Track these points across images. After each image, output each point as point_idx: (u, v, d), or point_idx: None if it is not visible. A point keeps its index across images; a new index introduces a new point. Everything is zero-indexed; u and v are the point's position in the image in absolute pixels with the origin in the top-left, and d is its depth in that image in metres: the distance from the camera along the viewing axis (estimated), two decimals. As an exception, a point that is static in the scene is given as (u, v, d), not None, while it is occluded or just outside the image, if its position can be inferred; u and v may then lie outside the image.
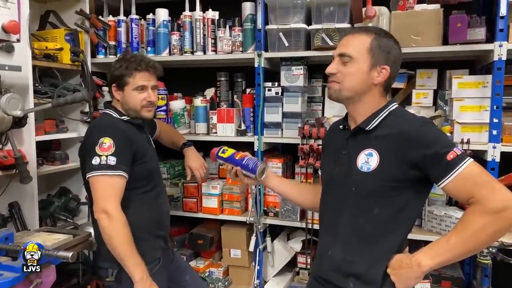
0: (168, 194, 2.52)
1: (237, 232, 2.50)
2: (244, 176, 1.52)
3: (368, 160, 1.25)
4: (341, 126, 1.41)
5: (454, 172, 1.14)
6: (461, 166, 1.14)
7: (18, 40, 1.36)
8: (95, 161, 1.51)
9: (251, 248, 2.37)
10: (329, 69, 1.32)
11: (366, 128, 1.28)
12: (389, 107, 1.30)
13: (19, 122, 1.61)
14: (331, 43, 2.13)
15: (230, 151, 1.56)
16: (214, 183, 2.46)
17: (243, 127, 2.39)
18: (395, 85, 2.33)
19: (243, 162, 1.51)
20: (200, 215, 2.48)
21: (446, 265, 1.20)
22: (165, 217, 1.82)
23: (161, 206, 1.80)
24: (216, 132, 2.42)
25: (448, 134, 2.05)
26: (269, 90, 2.30)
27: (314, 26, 2.17)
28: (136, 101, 1.69)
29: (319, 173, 1.55)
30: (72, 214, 2.35)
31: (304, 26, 2.18)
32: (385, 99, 1.33)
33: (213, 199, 2.42)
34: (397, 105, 1.32)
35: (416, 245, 2.33)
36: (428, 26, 1.99)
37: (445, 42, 2.01)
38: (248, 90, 2.48)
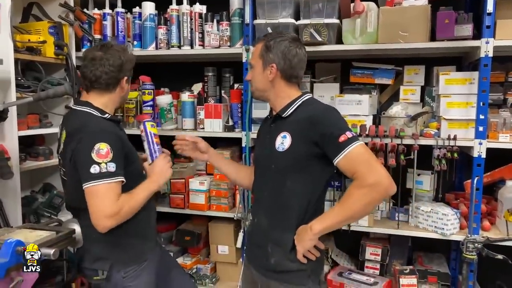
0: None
1: (224, 228, 2.48)
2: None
3: (283, 141, 1.48)
4: (268, 116, 1.68)
5: (343, 152, 1.37)
6: (349, 147, 1.36)
7: (-3, 32, 1.31)
8: (94, 169, 1.44)
9: (239, 245, 2.36)
10: (245, 78, 1.68)
11: (283, 115, 1.52)
12: (302, 98, 1.54)
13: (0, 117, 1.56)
14: (319, 39, 2.12)
15: (155, 130, 1.76)
16: (201, 179, 2.44)
17: (230, 122, 2.37)
18: (383, 81, 2.34)
19: (152, 148, 1.73)
20: (187, 211, 2.45)
21: (334, 229, 1.50)
22: (153, 214, 1.80)
23: (149, 204, 1.78)
24: (203, 128, 2.40)
25: (435, 131, 2.06)
26: (256, 85, 2.28)
27: (302, 21, 2.15)
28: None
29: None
30: (57, 211, 2.31)
31: (293, 21, 2.17)
32: (297, 90, 1.57)
33: (200, 195, 2.40)
34: (310, 96, 1.57)
35: (403, 242, 2.37)
36: (416, 22, 1.99)
37: (432, 38, 2.02)
38: (236, 86, 2.46)
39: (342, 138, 1.37)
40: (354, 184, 1.38)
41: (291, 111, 1.52)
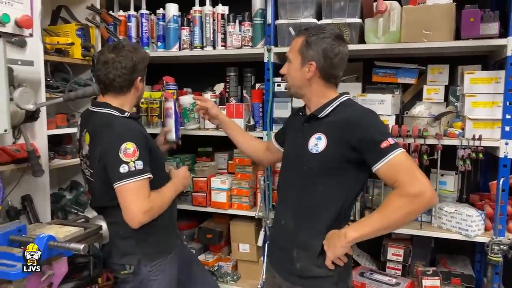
0: (178, 188, 2.54)
1: (245, 227, 2.51)
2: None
3: (317, 143, 1.43)
4: (300, 113, 1.61)
5: (385, 159, 1.31)
6: (391, 154, 1.31)
7: (31, 35, 1.36)
8: (123, 169, 1.48)
9: (260, 243, 2.38)
10: (280, 71, 1.58)
11: (319, 116, 1.47)
12: (340, 99, 1.49)
13: (31, 116, 1.62)
14: (341, 38, 2.11)
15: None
16: (223, 177, 2.47)
17: (252, 122, 2.39)
18: (406, 80, 2.32)
19: (178, 125, 1.96)
20: (209, 209, 2.49)
21: (370, 238, 1.39)
22: (175, 209, 1.84)
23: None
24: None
25: (460, 130, 2.03)
26: (279, 85, 2.29)
27: (324, 21, 2.15)
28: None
29: (276, 146, 1.82)
30: (83, 208, 2.37)
31: (315, 20, 2.17)
32: (334, 91, 1.52)
33: (222, 194, 2.43)
34: (348, 97, 1.51)
35: (425, 242, 2.34)
36: (440, 21, 1.96)
37: (457, 37, 1.99)
38: (257, 85, 2.48)
39: (384, 144, 1.32)
40: (395, 192, 1.32)
41: (327, 112, 1.46)
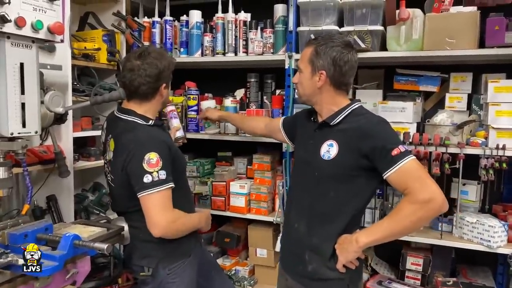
0: (197, 192, 2.58)
1: (263, 232, 2.52)
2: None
3: (329, 150, 1.45)
4: (311, 118, 1.62)
5: (396, 166, 1.33)
6: (402, 162, 1.33)
7: (62, 41, 1.41)
8: (147, 179, 1.50)
9: (277, 249, 2.38)
10: (292, 80, 1.67)
11: (331, 123, 1.48)
12: (351, 106, 1.50)
13: (60, 119, 1.67)
14: (363, 45, 2.12)
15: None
16: (242, 182, 2.49)
17: (272, 128, 2.41)
18: (428, 88, 2.30)
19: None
20: (227, 213, 2.51)
21: (380, 243, 1.42)
22: (193, 212, 1.86)
23: (192, 205, 1.85)
24: (244, 133, 2.45)
25: (483, 140, 2.00)
26: (298, 91, 2.31)
27: (346, 28, 2.16)
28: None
29: (281, 130, 1.88)
30: (105, 209, 2.42)
31: (336, 28, 2.18)
32: (345, 98, 1.53)
33: (240, 198, 2.45)
34: (359, 104, 1.52)
35: (446, 253, 2.30)
36: (464, 29, 1.95)
37: (481, 45, 1.97)
38: (277, 91, 2.49)
39: (394, 152, 1.34)
40: (406, 199, 1.34)
41: (339, 119, 1.48)
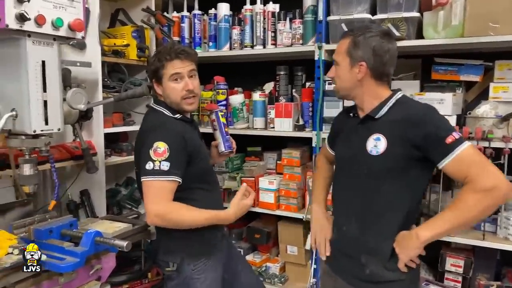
0: (226, 188, 2.56)
1: (293, 228, 2.46)
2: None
3: (376, 144, 1.39)
4: (351, 114, 1.56)
5: (452, 154, 1.27)
6: (458, 149, 1.27)
7: (83, 37, 1.42)
8: (149, 166, 1.51)
9: (308, 247, 2.33)
10: (327, 74, 1.56)
11: (376, 116, 1.42)
12: (395, 96, 1.43)
13: (85, 116, 1.70)
14: (398, 34, 1.99)
15: (224, 120, 1.93)
16: (271, 178, 2.44)
17: (301, 122, 2.34)
18: (469, 78, 2.14)
19: (225, 136, 1.90)
20: (256, 209, 2.47)
21: (443, 237, 1.38)
22: (220, 207, 1.83)
23: (218, 202, 1.82)
24: (273, 127, 2.40)
25: (531, 133, 1.84)
26: (330, 83, 2.21)
27: (379, 16, 2.05)
28: (176, 93, 1.66)
29: (333, 153, 1.69)
30: (137, 204, 2.46)
31: (369, 16, 2.07)
32: (387, 89, 1.46)
33: (269, 194, 2.40)
34: (402, 94, 1.45)
35: (490, 254, 2.15)
36: (509, 12, 1.79)
37: (530, 29, 1.80)
38: (307, 84, 2.42)
39: (449, 140, 1.27)
40: (467, 188, 1.27)
41: (384, 111, 1.41)
